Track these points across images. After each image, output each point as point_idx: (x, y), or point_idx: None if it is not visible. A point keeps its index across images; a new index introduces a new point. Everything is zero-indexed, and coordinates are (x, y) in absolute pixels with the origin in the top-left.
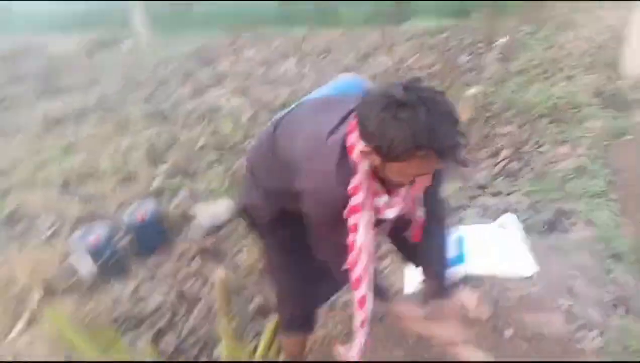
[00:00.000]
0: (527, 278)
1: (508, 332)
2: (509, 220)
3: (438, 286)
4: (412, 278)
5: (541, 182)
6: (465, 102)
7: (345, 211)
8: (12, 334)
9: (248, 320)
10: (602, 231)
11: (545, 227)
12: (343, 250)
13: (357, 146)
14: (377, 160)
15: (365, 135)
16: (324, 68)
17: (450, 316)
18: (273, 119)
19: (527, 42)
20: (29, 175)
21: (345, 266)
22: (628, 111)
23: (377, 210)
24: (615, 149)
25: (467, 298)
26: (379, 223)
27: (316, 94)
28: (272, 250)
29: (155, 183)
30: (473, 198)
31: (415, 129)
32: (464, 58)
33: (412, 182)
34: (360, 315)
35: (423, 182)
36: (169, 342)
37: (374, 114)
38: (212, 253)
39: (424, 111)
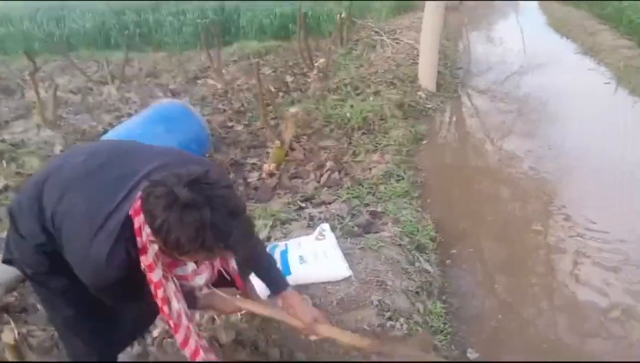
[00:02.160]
0: (344, 280)
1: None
2: (325, 229)
3: (276, 280)
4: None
5: (357, 189)
6: (288, 121)
7: (152, 290)
8: None
9: None
10: (407, 227)
11: (360, 229)
12: (135, 298)
13: (145, 230)
14: (164, 247)
15: (150, 228)
16: (151, 92)
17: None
18: (39, 174)
19: (341, 62)
20: None
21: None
22: (424, 119)
23: (185, 278)
24: (415, 153)
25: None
26: (192, 289)
27: (126, 127)
28: (52, 302)
29: None
30: (300, 209)
31: (200, 231)
32: (288, 78)
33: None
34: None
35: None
36: None
37: (158, 211)
38: (16, 309)
39: (207, 212)
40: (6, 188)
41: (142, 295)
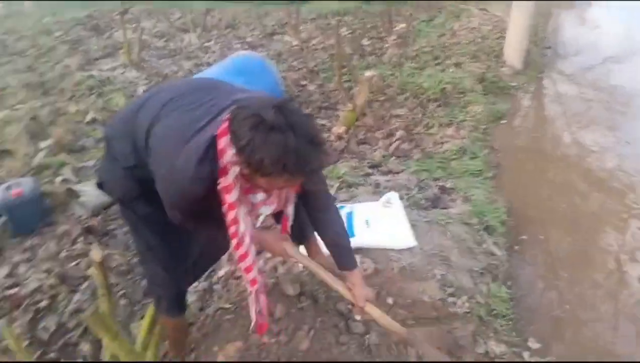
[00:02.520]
0: (407, 249)
1: (390, 300)
2: (393, 198)
3: (344, 257)
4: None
5: (428, 162)
6: (362, 84)
7: (224, 210)
8: None
9: (138, 300)
10: (477, 207)
11: (428, 203)
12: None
13: (228, 151)
14: (245, 169)
15: (235, 147)
16: (229, 43)
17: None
18: (138, 99)
19: (422, 30)
20: None
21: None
22: (505, 97)
23: (254, 206)
24: (493, 132)
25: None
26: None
27: (205, 74)
28: (138, 229)
29: (36, 160)
30: (366, 175)
31: (283, 154)
32: (365, 41)
33: (280, 188)
34: (248, 281)
35: (291, 189)
36: (49, 324)
37: (245, 131)
38: (98, 233)
39: (292, 137)
40: (94, 120)
41: (215, 221)
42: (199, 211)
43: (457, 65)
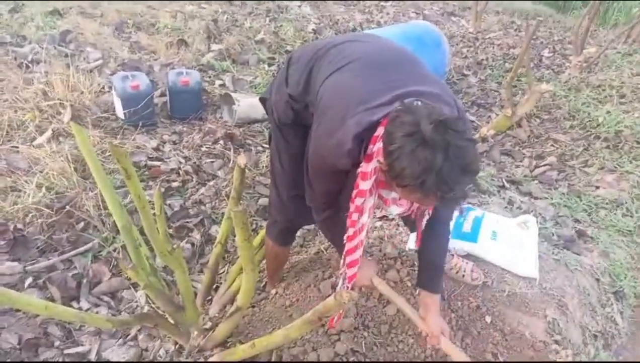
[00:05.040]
0: (525, 279)
1: (488, 318)
2: (530, 221)
3: (433, 278)
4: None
5: (574, 200)
6: (532, 94)
7: (353, 194)
8: (38, 140)
9: (252, 213)
10: (614, 267)
11: (561, 242)
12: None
13: (379, 144)
14: (386, 169)
15: (384, 148)
16: (405, 10)
17: (435, 311)
18: (333, 38)
19: (616, 60)
20: (88, 4)
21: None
22: None
23: (384, 200)
24: None
25: (463, 263)
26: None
27: (383, 31)
28: (279, 152)
29: (206, 58)
30: (502, 188)
31: (424, 171)
32: (546, 52)
33: (412, 201)
34: (347, 276)
35: (423, 206)
36: (174, 203)
37: (397, 136)
38: (237, 141)
39: (441, 157)
40: (262, 40)
41: (338, 201)
42: (330, 180)
43: None
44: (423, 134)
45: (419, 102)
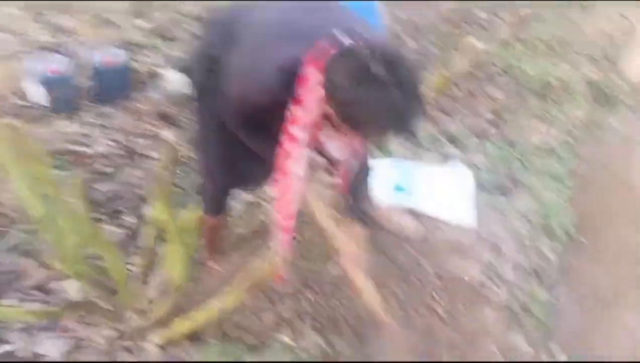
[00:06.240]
0: (461, 227)
1: (428, 267)
2: (465, 171)
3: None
4: None
5: (506, 149)
6: (464, 53)
7: (282, 140)
8: None
9: (189, 190)
10: (545, 209)
11: (494, 189)
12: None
13: (313, 85)
14: (332, 113)
15: (328, 90)
16: None
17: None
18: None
19: (546, 15)
20: None
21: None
22: (613, 113)
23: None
24: (588, 143)
25: (402, 216)
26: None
27: None
28: (202, 118)
29: (134, 36)
30: (440, 145)
31: (383, 114)
32: (482, 14)
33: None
34: (281, 223)
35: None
36: (104, 188)
37: (346, 81)
38: (169, 119)
39: (396, 95)
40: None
41: (268, 144)
42: (259, 122)
43: (573, 63)
44: (374, 73)
45: (352, 41)
